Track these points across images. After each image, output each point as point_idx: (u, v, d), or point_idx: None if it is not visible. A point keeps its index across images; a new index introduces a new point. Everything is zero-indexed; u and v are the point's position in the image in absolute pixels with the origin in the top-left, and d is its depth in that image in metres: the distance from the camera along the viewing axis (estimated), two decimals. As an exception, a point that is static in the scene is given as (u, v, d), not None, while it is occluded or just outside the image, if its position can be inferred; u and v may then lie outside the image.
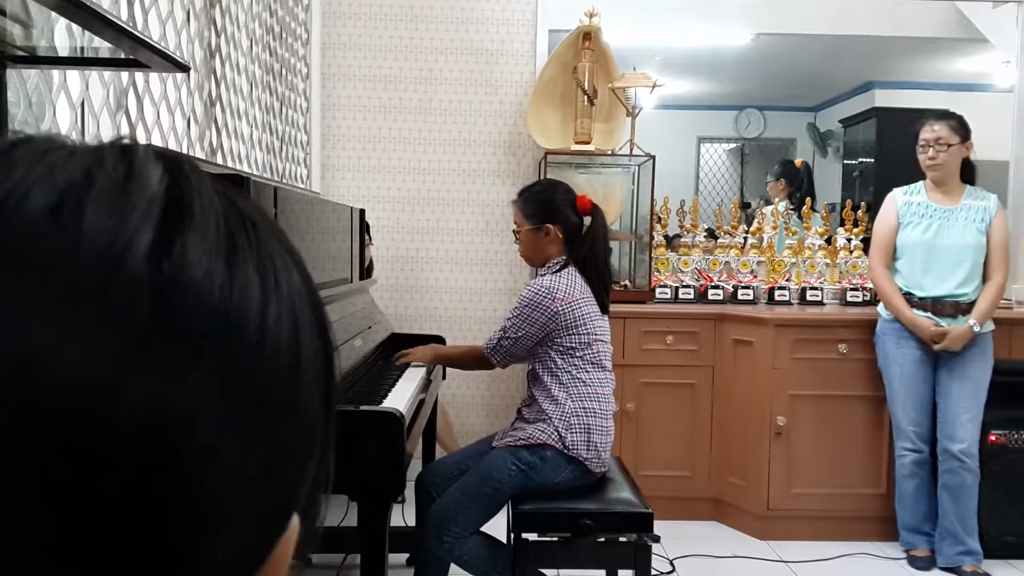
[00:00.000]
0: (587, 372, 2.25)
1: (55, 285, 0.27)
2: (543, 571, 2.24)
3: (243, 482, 0.30)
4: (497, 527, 2.27)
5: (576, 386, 2.23)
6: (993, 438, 3.05)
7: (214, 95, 2.51)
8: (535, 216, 2.34)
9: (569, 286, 2.27)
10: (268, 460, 0.31)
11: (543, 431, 2.20)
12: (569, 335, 2.24)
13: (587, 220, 2.37)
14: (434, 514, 2.18)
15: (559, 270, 2.31)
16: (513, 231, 2.43)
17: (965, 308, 2.96)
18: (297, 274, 0.35)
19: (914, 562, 3.03)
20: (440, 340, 2.90)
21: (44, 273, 0.27)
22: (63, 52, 1.59)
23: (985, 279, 3.00)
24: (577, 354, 2.25)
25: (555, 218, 2.34)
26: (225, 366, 0.30)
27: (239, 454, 0.30)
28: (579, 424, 2.20)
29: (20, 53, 1.43)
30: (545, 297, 2.23)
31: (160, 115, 2.15)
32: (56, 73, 1.68)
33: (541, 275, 2.33)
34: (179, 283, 0.29)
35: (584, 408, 2.22)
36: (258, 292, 0.32)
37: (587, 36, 3.58)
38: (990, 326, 3.01)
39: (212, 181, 0.33)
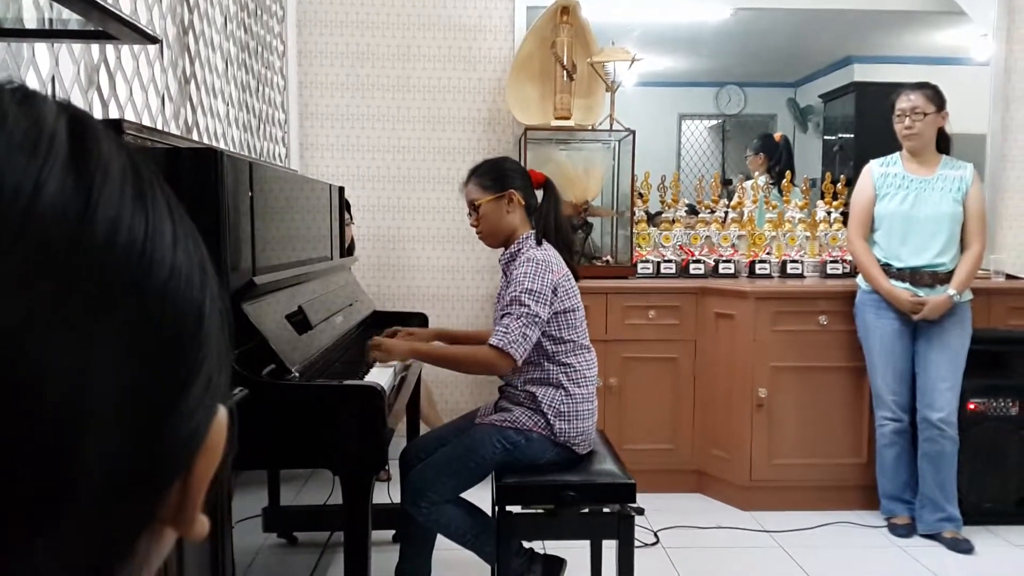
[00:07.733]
0: (575, 356, 2.22)
1: None
2: (525, 543, 2.24)
3: (149, 409, 0.31)
4: (482, 500, 2.27)
5: (566, 372, 2.20)
6: (972, 406, 3.09)
7: (188, 73, 2.48)
8: (493, 186, 2.29)
9: (557, 259, 2.23)
10: (180, 380, 0.32)
11: (531, 418, 2.19)
12: (562, 313, 2.19)
13: (539, 195, 2.35)
14: (413, 478, 2.17)
15: (538, 244, 2.26)
16: (471, 209, 2.33)
17: (943, 278, 2.98)
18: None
19: (895, 530, 3.07)
20: (423, 317, 2.89)
21: None
22: (30, 25, 1.56)
23: (963, 249, 3.02)
24: (567, 338, 2.20)
25: (514, 184, 2.30)
26: (141, 306, 0.30)
27: (152, 387, 0.31)
28: (568, 411, 2.18)
29: (-14, 25, 1.40)
30: (544, 269, 2.16)
31: (133, 92, 2.12)
32: (25, 47, 1.65)
33: (521, 252, 2.25)
34: (95, 224, 0.29)
35: (573, 395, 2.19)
36: (170, 229, 0.32)
37: (565, 11, 3.56)
38: (968, 295, 3.04)
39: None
